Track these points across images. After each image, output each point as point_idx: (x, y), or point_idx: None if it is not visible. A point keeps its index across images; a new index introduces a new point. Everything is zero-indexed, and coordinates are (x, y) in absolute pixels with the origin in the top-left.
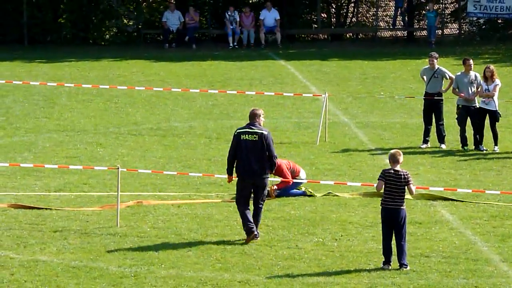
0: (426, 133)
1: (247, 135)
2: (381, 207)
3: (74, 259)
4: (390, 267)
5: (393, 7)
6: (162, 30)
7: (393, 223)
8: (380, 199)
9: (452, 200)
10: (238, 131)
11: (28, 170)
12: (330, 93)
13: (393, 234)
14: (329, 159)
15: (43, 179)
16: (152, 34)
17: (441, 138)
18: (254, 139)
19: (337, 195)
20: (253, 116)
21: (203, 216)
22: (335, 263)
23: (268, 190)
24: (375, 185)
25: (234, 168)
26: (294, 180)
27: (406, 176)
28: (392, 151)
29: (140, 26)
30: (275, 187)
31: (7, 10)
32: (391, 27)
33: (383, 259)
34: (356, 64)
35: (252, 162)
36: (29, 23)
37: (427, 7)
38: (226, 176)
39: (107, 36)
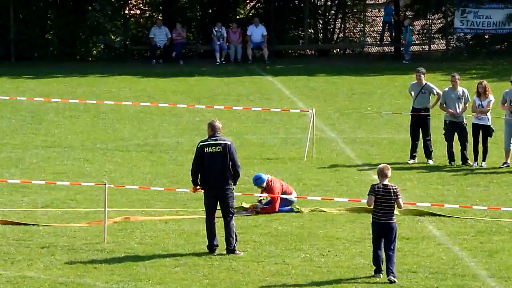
0: (413, 148)
1: (210, 148)
2: (372, 221)
3: (61, 275)
4: (382, 276)
5: (380, 23)
6: (149, 46)
7: (384, 236)
8: (368, 214)
9: (439, 215)
10: (200, 144)
11: (15, 186)
12: (317, 108)
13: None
14: (317, 175)
15: (30, 195)
16: (139, 50)
17: (428, 154)
18: (218, 150)
19: (324, 211)
20: (214, 128)
21: (190, 232)
22: (322, 278)
23: (248, 206)
24: (366, 200)
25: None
26: (283, 196)
27: (395, 190)
28: (380, 165)
29: (127, 42)
30: (259, 204)
31: None
32: (378, 42)
33: (374, 269)
34: (343, 80)
35: (215, 174)
36: (16, 39)
37: (404, 23)
38: (192, 188)
39: (94, 52)
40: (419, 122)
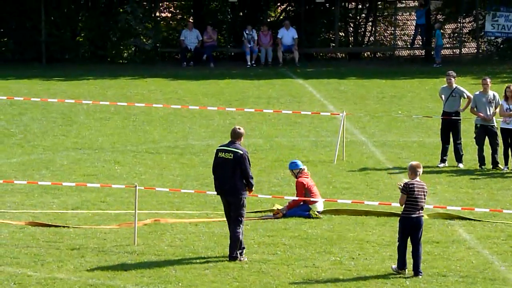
0: (444, 152)
1: (223, 153)
2: (402, 216)
3: (91, 277)
4: (406, 271)
5: (411, 26)
6: (180, 49)
7: (413, 232)
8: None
9: (469, 219)
10: (218, 148)
11: (46, 188)
12: (347, 112)
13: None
14: (347, 178)
15: (60, 197)
16: (170, 53)
17: (458, 157)
18: (229, 157)
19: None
20: (234, 135)
21: (220, 234)
22: (352, 282)
23: (275, 210)
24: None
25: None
26: (304, 199)
27: (426, 188)
28: (413, 162)
29: (158, 45)
30: (284, 207)
31: (25, 28)
32: (409, 46)
33: (398, 266)
34: (373, 83)
35: (224, 179)
36: (47, 41)
37: (435, 26)
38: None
39: (125, 54)
40: (450, 125)
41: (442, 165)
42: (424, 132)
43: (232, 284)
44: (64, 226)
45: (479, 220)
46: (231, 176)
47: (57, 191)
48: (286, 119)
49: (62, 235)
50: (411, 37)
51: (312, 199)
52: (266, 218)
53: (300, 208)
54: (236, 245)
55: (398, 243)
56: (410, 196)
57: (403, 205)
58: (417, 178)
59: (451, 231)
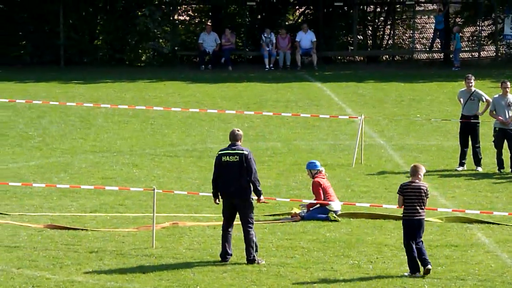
0: (463, 155)
1: (228, 157)
2: (404, 219)
3: (109, 280)
4: (420, 273)
5: (430, 29)
6: (198, 52)
7: (416, 233)
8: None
9: (488, 223)
10: (219, 152)
11: (64, 191)
12: (366, 115)
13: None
14: (365, 181)
15: (79, 200)
16: (188, 56)
17: (477, 161)
18: (235, 160)
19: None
20: (234, 137)
21: (238, 237)
22: (370, 285)
23: (293, 213)
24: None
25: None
26: (322, 202)
27: (427, 189)
28: (416, 164)
29: (176, 48)
30: (303, 211)
31: (44, 31)
32: (427, 49)
33: (410, 271)
34: (392, 86)
35: (232, 183)
36: (65, 44)
37: (454, 30)
38: (213, 198)
39: (143, 57)
40: (468, 129)
41: (460, 168)
42: (442, 136)
43: None
44: (82, 229)
45: (498, 224)
46: (238, 178)
47: (75, 194)
48: (304, 122)
49: (80, 238)
50: (430, 41)
51: (329, 201)
52: (284, 221)
53: (318, 211)
54: (251, 247)
55: (405, 247)
56: (406, 197)
57: (402, 207)
58: (417, 180)
59: (469, 235)
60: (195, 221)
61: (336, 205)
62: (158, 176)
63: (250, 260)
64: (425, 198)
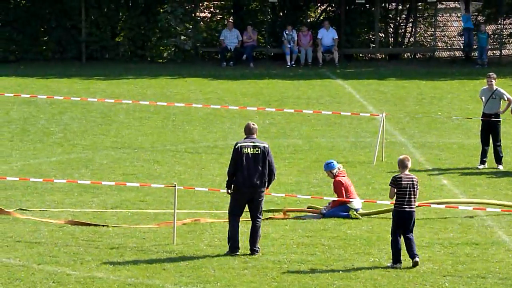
0: (483, 154)
1: (249, 149)
2: (395, 210)
3: (130, 276)
4: (401, 265)
5: (451, 27)
6: (219, 48)
7: (406, 225)
8: (436, 219)
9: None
10: (239, 144)
11: (85, 187)
12: (387, 112)
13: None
14: (386, 179)
15: (100, 196)
16: (210, 52)
17: (498, 159)
18: (256, 152)
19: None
20: (251, 130)
21: (270, 232)
22: (391, 283)
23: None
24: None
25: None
26: (344, 200)
27: (416, 181)
28: (401, 156)
29: (198, 44)
30: (324, 208)
31: (66, 27)
32: (449, 47)
33: (393, 261)
34: (413, 84)
35: (252, 175)
36: (87, 40)
37: (480, 29)
38: (226, 189)
39: (165, 54)
40: (489, 127)
41: (481, 166)
42: (464, 134)
43: (271, 284)
44: (103, 225)
45: None
46: (261, 171)
47: (96, 190)
48: (325, 119)
49: (101, 234)
50: (461, 41)
51: (350, 199)
52: (306, 218)
53: (339, 209)
54: (258, 238)
55: (391, 238)
56: (399, 189)
57: (394, 199)
58: (406, 171)
59: (490, 233)
60: (215, 217)
61: (357, 203)
62: (179, 172)
63: (256, 250)
64: (416, 190)
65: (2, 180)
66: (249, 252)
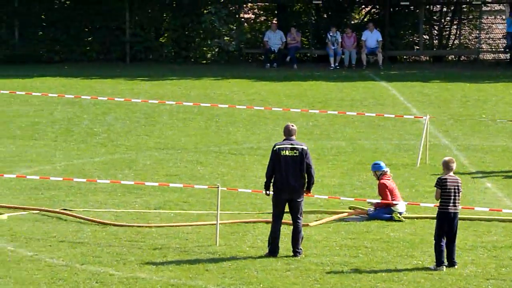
0: None
1: (287, 151)
2: (439, 211)
3: (173, 277)
4: (444, 268)
5: (496, 30)
6: (263, 50)
7: (450, 227)
8: (480, 222)
9: None
10: (278, 146)
11: (129, 187)
12: (431, 115)
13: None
14: (429, 181)
15: (143, 196)
16: (254, 54)
17: None
18: (295, 154)
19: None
20: (291, 132)
21: (313, 234)
22: (434, 286)
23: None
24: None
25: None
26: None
27: (460, 183)
28: (446, 158)
29: (241, 46)
30: (370, 209)
31: (110, 28)
32: (493, 49)
33: (436, 263)
34: (457, 87)
35: (290, 178)
36: (131, 41)
37: None
38: (264, 191)
39: (209, 55)
40: None
41: None
42: (508, 137)
43: (313, 286)
44: (146, 226)
45: None
46: (299, 173)
47: (139, 191)
48: (369, 121)
49: (144, 234)
50: (505, 43)
51: (394, 202)
52: (350, 220)
53: (383, 211)
54: (300, 240)
55: (435, 240)
56: (443, 190)
57: (439, 200)
58: (451, 173)
59: None
60: (258, 219)
61: (401, 206)
62: (222, 173)
63: (298, 252)
64: (460, 192)
65: (45, 180)
66: (291, 253)
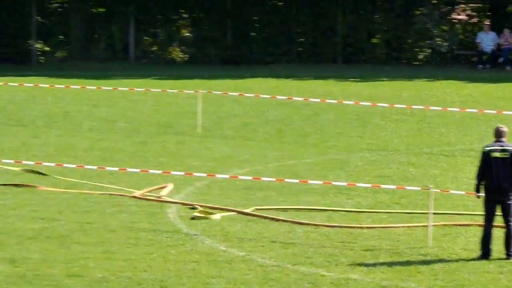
0: None
1: (497, 153)
2: None
3: (384, 278)
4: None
5: None
6: (475, 51)
7: None
8: None
9: None
10: (487, 148)
11: (340, 188)
12: None
13: None
14: None
15: (355, 197)
16: (466, 55)
17: None
18: (505, 156)
19: None
20: (501, 133)
21: None
22: None
23: None
24: None
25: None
26: None
27: None
28: None
29: (454, 47)
30: None
31: (322, 29)
32: None
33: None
34: None
35: (501, 180)
36: (343, 42)
37: None
38: (474, 193)
39: (421, 56)
40: None
41: None
42: None
43: None
44: (358, 227)
45: None
46: (509, 174)
47: (351, 192)
48: None
49: (356, 235)
50: None
51: None
52: None
53: None
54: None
55: None
56: None
57: None
58: None
59: None
60: (471, 221)
61: None
62: (435, 175)
63: (511, 255)
64: None
65: (257, 180)
66: (504, 256)
